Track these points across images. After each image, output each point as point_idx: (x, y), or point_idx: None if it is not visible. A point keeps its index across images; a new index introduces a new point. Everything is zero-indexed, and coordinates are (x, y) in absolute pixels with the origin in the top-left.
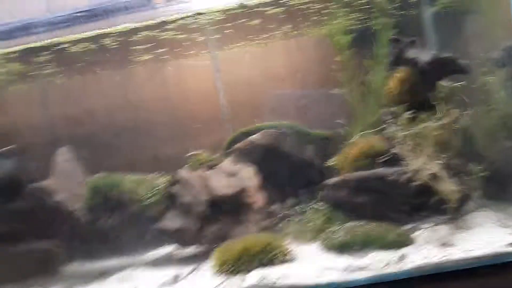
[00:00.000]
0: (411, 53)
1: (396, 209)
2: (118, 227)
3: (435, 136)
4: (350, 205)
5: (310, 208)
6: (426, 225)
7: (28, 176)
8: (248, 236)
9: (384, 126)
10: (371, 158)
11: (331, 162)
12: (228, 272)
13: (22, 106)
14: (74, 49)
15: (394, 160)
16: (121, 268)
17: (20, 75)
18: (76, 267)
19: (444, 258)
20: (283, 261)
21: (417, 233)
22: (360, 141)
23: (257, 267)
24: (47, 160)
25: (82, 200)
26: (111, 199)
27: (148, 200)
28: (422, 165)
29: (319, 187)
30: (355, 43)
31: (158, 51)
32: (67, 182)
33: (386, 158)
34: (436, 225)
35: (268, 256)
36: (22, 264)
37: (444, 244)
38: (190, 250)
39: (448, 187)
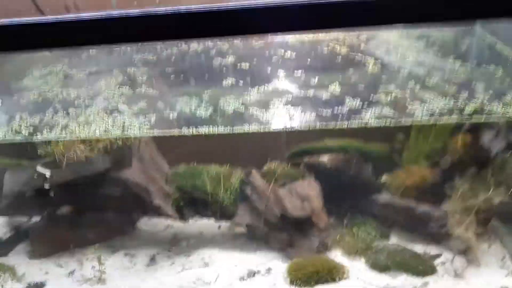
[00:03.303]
0: None
1: None
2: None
3: None
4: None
5: (362, 224)
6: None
7: None
8: (315, 258)
9: None
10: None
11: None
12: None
13: None
14: None
15: None
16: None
17: None
18: None
19: None
20: (341, 279)
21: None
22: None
23: (320, 283)
24: None
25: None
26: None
27: (225, 202)
28: None
29: (370, 204)
30: None
31: None
32: None
33: None
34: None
35: (331, 277)
36: None
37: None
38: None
39: None
